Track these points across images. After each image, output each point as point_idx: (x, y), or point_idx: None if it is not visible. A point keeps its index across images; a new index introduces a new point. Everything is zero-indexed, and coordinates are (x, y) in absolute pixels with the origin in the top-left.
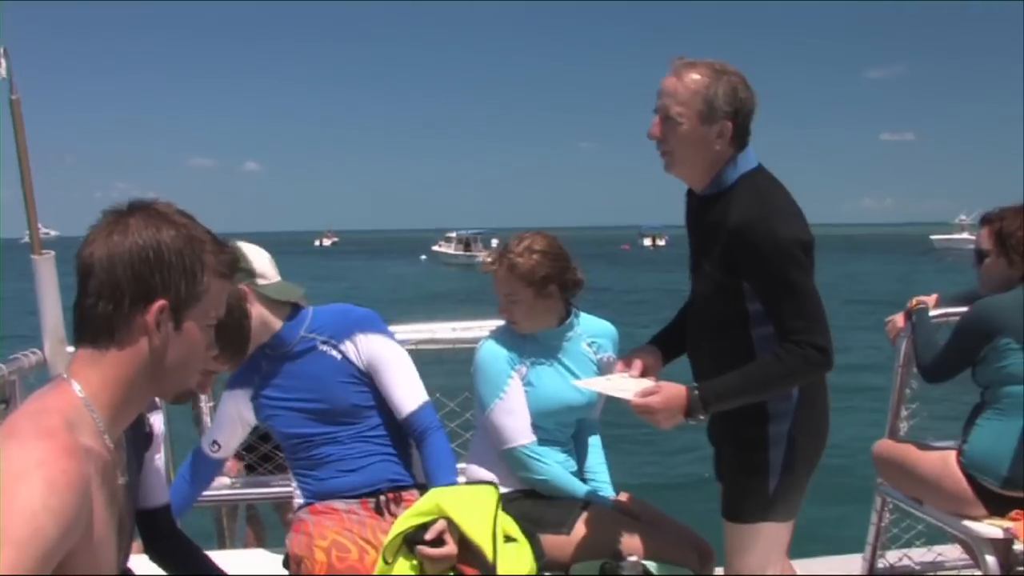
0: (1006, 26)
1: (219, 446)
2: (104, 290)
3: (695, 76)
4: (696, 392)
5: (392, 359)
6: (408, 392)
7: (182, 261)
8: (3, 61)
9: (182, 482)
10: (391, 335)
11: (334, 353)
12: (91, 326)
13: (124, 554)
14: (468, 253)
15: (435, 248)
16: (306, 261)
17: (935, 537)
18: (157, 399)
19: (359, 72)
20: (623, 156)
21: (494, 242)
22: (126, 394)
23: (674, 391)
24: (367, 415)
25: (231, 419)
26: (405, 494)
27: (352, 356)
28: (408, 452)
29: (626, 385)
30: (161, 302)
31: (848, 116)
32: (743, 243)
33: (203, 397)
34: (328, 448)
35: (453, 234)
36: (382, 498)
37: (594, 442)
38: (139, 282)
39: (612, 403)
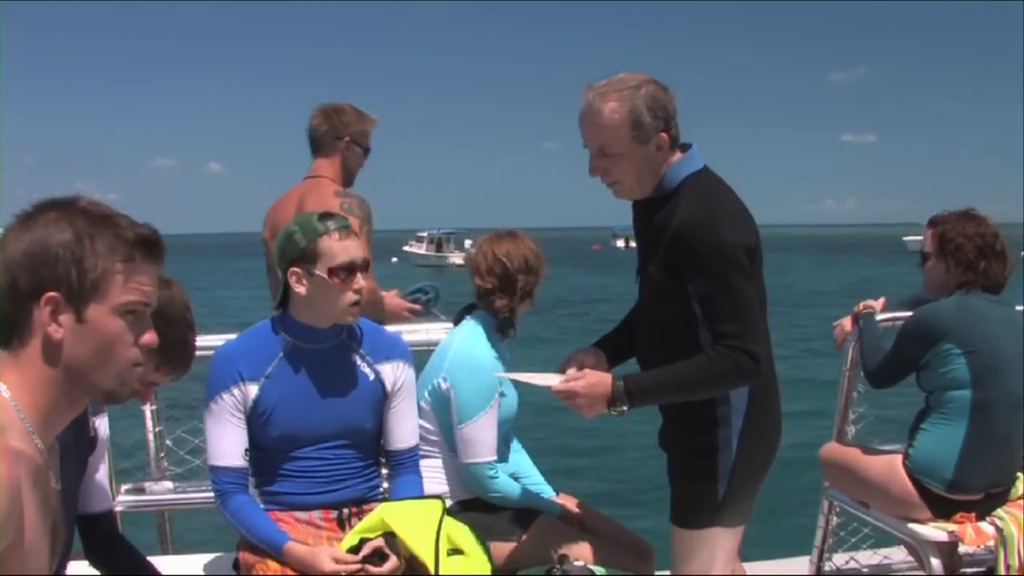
0: (966, 29)
1: (247, 450)
2: (4, 292)
3: (613, 104)
4: (621, 382)
5: (412, 393)
6: (410, 428)
7: (69, 251)
8: None
9: (250, 503)
10: None
11: (367, 370)
12: (4, 330)
13: (59, 561)
14: (440, 254)
15: (406, 248)
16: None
17: (882, 540)
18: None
19: (320, 73)
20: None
21: (467, 243)
22: (48, 394)
23: (598, 378)
24: (366, 440)
25: (238, 417)
26: (367, 507)
27: (386, 380)
28: (380, 471)
29: (548, 375)
30: (49, 293)
31: (810, 118)
32: (686, 244)
33: None
34: (311, 463)
35: (424, 234)
36: (345, 511)
37: (516, 445)
38: (28, 278)
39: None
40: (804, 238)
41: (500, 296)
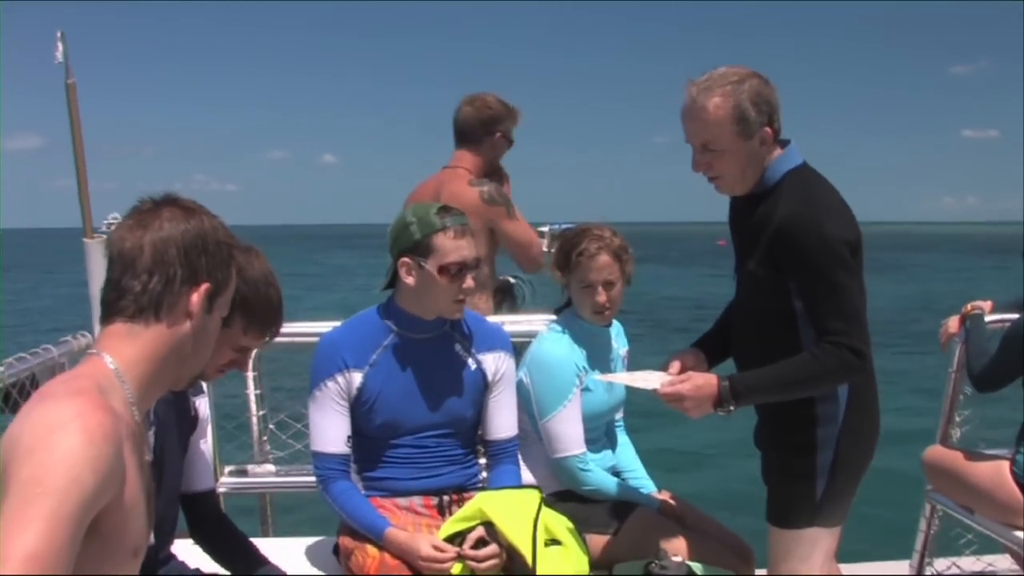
0: None
1: (350, 437)
2: (157, 269)
3: (717, 100)
4: (726, 383)
5: (512, 384)
6: (510, 419)
7: (221, 251)
8: (60, 45)
9: (352, 489)
10: None
11: (470, 360)
12: (136, 303)
13: (162, 537)
14: None
15: None
16: (384, 254)
17: (985, 546)
18: (203, 384)
19: (435, 68)
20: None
21: None
22: (156, 369)
23: (704, 380)
24: (467, 428)
25: (342, 404)
26: (466, 494)
27: (488, 370)
28: (478, 459)
29: (650, 377)
30: (207, 285)
31: (929, 113)
32: (789, 239)
33: None
34: (413, 451)
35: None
36: (445, 498)
37: (624, 438)
38: (189, 264)
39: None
40: (928, 237)
41: None
